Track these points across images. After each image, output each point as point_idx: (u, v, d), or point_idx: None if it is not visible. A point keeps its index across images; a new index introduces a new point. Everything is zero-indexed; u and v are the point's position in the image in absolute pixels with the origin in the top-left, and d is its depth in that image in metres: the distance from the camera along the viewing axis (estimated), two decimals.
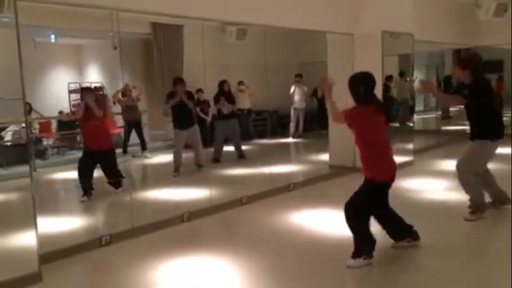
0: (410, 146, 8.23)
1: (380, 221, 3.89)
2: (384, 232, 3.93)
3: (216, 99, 8.15)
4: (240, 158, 8.48)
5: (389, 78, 9.12)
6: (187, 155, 7.55)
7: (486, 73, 4.67)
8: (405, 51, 8.33)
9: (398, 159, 7.71)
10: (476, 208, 4.68)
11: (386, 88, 8.36)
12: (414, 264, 3.79)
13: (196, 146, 7.40)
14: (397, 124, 9.54)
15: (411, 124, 8.90)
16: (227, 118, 8.22)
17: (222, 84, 8.19)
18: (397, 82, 9.99)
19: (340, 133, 7.47)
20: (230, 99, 8.27)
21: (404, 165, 7.82)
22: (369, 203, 3.73)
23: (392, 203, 5.33)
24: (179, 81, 7.03)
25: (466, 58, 4.60)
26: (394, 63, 9.80)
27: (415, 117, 9.23)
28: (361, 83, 3.69)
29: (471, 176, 4.63)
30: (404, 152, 8.18)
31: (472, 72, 4.45)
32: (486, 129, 4.51)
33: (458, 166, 4.68)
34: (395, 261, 3.82)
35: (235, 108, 8.37)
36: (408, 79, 9.34)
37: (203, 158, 7.49)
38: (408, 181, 6.74)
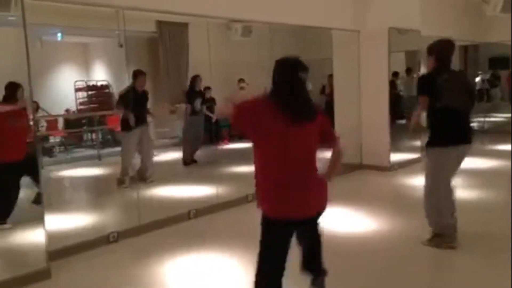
0: (418, 143, 8.19)
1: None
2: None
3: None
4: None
5: (395, 74, 9.08)
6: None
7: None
8: (411, 47, 8.28)
9: (405, 156, 7.84)
10: (440, 233, 3.97)
11: (393, 85, 8.33)
12: (423, 261, 3.78)
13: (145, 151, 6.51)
14: (403, 121, 9.50)
15: None
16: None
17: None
18: (404, 79, 9.94)
19: (346, 130, 7.47)
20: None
21: (411, 162, 7.81)
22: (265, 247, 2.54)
23: (400, 201, 5.28)
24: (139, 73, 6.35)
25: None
26: (401, 60, 9.75)
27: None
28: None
29: (437, 194, 3.91)
30: (411, 149, 8.15)
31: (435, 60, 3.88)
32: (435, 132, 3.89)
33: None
34: (401, 261, 3.81)
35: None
36: (415, 75, 9.29)
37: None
38: (415, 178, 6.71)
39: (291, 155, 2.40)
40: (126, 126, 6.30)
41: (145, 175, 6.44)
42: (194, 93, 7.72)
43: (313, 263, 2.85)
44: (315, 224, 2.73)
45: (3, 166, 4.22)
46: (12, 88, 4.22)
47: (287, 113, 2.37)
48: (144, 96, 6.49)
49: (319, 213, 2.61)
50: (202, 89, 7.85)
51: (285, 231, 2.50)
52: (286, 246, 2.51)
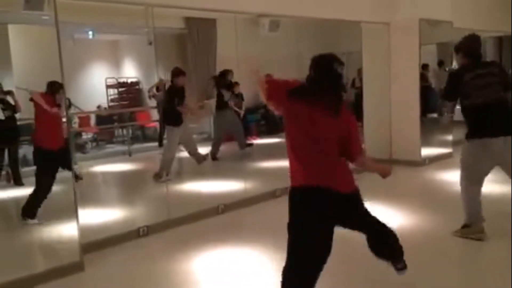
0: (449, 137, 8.00)
1: None
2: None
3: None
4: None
5: (424, 67, 8.86)
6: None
7: None
8: (443, 39, 8.07)
9: (437, 150, 7.66)
10: (469, 224, 4.01)
11: (422, 77, 8.14)
12: (453, 257, 3.70)
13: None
14: (435, 115, 9.28)
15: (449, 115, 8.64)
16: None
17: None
18: (436, 71, 9.69)
19: (375, 124, 7.37)
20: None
21: (443, 157, 7.63)
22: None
23: (431, 196, 5.12)
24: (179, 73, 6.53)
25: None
26: (432, 52, 9.51)
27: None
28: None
29: (465, 184, 4.00)
30: (442, 144, 7.97)
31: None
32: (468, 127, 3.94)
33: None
34: (431, 256, 3.74)
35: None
36: (447, 68, 9.05)
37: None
38: (447, 173, 6.56)
39: (313, 144, 2.44)
40: (175, 121, 6.49)
41: (201, 156, 6.92)
42: (223, 85, 7.68)
43: (379, 247, 2.91)
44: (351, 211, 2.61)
45: (44, 152, 4.56)
46: (54, 86, 4.44)
47: (315, 104, 2.42)
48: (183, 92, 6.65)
49: (348, 195, 2.52)
50: (231, 82, 7.79)
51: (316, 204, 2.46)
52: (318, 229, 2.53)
